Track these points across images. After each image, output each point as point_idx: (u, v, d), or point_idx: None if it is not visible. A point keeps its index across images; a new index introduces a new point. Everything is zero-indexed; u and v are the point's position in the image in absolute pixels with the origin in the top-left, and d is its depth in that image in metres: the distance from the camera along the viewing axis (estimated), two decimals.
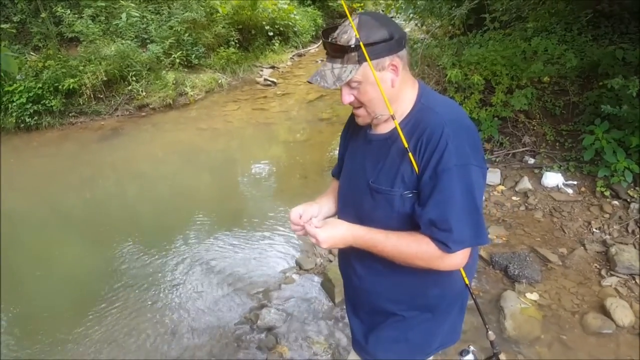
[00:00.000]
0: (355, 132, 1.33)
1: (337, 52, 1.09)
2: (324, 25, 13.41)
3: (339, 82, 1.08)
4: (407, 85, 1.17)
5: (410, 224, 1.14)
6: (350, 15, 1.10)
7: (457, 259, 1.12)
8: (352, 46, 1.05)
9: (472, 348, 1.28)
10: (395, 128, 1.13)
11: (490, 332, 1.28)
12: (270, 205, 4.42)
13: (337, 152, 1.50)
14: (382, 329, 1.31)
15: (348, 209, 1.29)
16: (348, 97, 1.14)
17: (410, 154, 1.10)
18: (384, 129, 1.20)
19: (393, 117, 1.12)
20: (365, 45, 1.05)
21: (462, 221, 1.07)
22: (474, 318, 2.30)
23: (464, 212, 1.07)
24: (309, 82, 1.14)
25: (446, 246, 1.08)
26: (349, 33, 1.06)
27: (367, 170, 1.22)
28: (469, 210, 1.08)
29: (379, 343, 1.32)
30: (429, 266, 1.13)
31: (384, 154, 1.18)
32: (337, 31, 1.10)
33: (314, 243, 1.18)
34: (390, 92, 1.12)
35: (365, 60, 1.06)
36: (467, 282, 1.23)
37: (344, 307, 2.17)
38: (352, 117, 1.37)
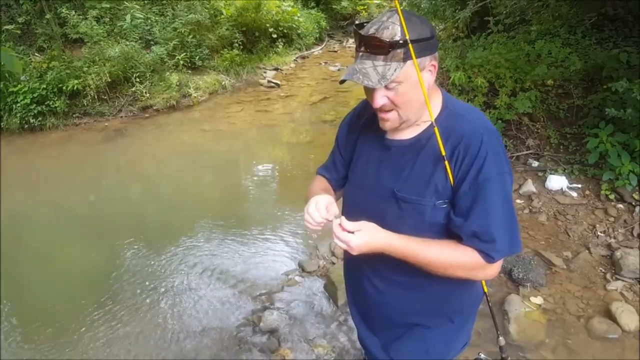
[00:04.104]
0: (365, 135, 1.23)
1: (379, 48, 0.99)
2: (329, 28, 13.45)
3: (384, 81, 0.99)
4: (434, 90, 1.13)
5: (442, 233, 1.10)
6: (381, 12, 1.06)
7: (495, 268, 1.10)
8: (400, 42, 0.97)
9: (482, 355, 1.29)
10: (421, 134, 1.11)
11: (500, 338, 1.29)
12: (273, 207, 4.42)
13: None
14: (403, 341, 1.26)
15: (362, 219, 1.14)
16: (382, 99, 1.04)
17: (447, 162, 1.05)
18: (406, 134, 1.13)
19: (434, 124, 1.06)
20: (412, 42, 0.98)
21: (504, 231, 1.05)
22: (482, 322, 2.29)
23: (505, 222, 1.05)
24: (343, 80, 1.03)
25: (489, 257, 1.05)
26: (392, 29, 0.98)
27: (387, 178, 1.14)
28: (509, 219, 1.06)
29: (400, 355, 1.27)
30: (467, 276, 1.09)
31: (409, 161, 1.11)
32: (376, 26, 1.00)
33: (342, 246, 1.03)
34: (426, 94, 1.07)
35: (410, 59, 0.99)
36: (486, 289, 1.22)
37: (347, 309, 2.17)
38: (356, 118, 1.29)
